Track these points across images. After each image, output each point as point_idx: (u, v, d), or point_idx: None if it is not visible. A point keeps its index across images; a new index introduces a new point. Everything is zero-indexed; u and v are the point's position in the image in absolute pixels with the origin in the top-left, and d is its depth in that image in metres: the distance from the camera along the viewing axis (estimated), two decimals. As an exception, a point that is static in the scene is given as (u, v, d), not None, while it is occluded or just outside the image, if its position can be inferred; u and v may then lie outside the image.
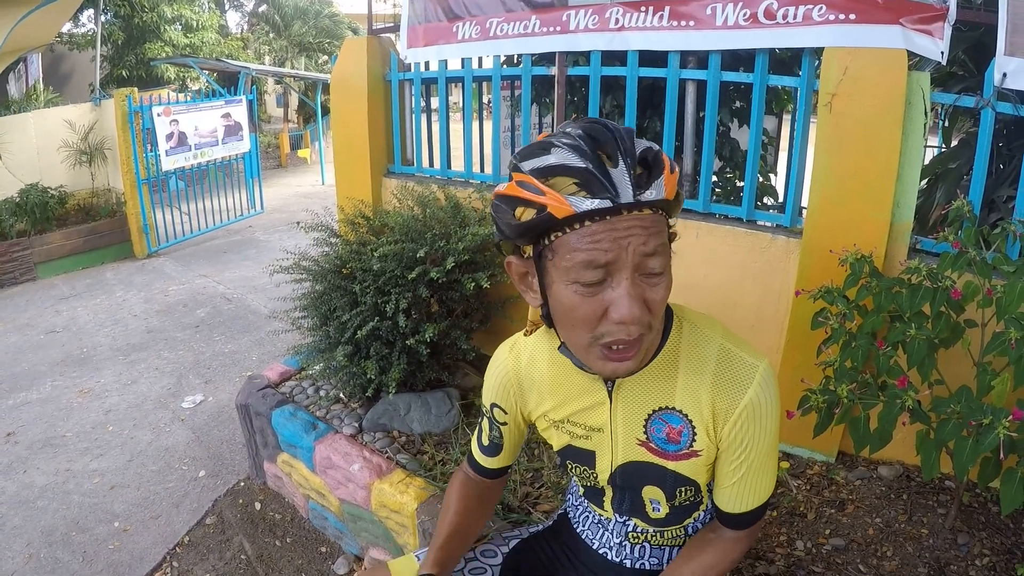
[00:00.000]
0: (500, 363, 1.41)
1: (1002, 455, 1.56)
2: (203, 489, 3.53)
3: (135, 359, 5.30)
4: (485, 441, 1.50)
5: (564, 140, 1.00)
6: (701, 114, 2.90)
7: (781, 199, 4.24)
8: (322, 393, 3.16)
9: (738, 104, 3.74)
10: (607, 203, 0.96)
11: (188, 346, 5.49)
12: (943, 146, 3.56)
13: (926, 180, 3.22)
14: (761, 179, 4.02)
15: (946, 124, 3.48)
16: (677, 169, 1.02)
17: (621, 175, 0.97)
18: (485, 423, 1.48)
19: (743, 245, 2.68)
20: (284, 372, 3.40)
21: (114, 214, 8.54)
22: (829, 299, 2.14)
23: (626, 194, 0.96)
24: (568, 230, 0.99)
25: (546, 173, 0.99)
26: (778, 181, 4.40)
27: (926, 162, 3.07)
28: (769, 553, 2.14)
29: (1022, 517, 2.21)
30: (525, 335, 1.37)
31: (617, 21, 2.83)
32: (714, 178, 3.93)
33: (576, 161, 0.98)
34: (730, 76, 2.71)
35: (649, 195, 0.97)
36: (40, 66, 12.98)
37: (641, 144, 1.00)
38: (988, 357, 1.82)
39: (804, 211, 2.57)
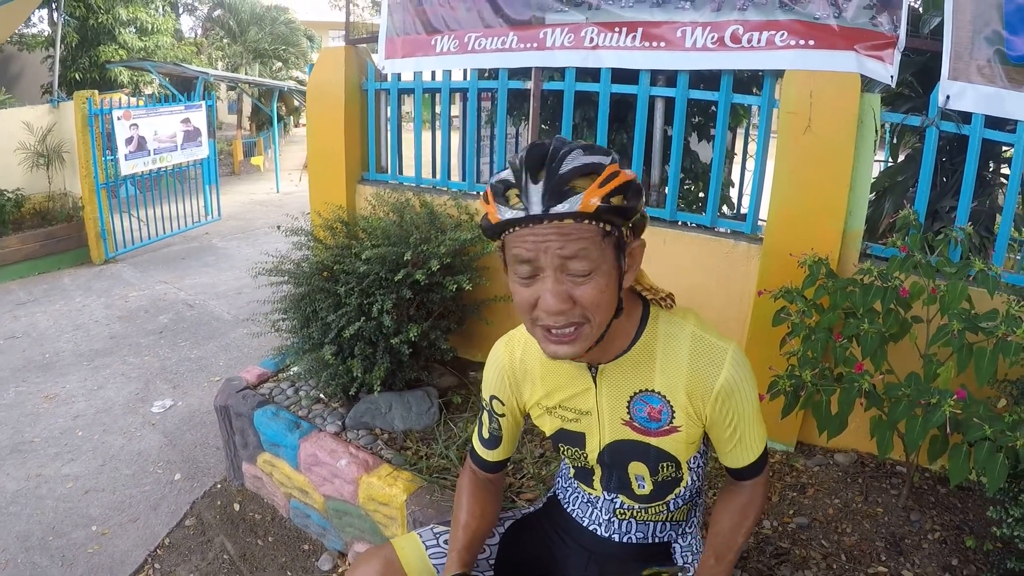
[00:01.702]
0: (497, 357, 1.56)
1: (948, 431, 1.77)
2: (180, 492, 3.55)
3: (100, 364, 5.25)
4: (485, 434, 1.63)
5: (513, 160, 1.18)
6: (667, 128, 3.07)
7: (736, 208, 4.48)
8: (302, 393, 3.23)
9: (697, 119, 3.92)
10: (520, 213, 1.14)
11: (153, 352, 5.46)
12: (891, 161, 3.80)
13: (875, 192, 3.44)
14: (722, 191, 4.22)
15: (894, 141, 3.70)
16: (615, 182, 1.14)
17: (537, 191, 1.13)
18: (485, 416, 1.62)
19: (707, 250, 2.86)
20: (261, 374, 3.45)
21: (71, 219, 8.34)
22: (789, 298, 2.34)
23: (536, 207, 1.13)
24: (509, 232, 1.18)
25: (497, 186, 1.19)
26: (732, 191, 4.62)
27: (876, 175, 3.28)
28: (765, 505, 2.33)
29: (968, 496, 2.44)
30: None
31: (592, 40, 2.98)
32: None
33: (509, 177, 1.17)
34: (697, 94, 2.89)
35: (560, 208, 1.11)
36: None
37: (579, 160, 1.14)
38: (933, 348, 2.05)
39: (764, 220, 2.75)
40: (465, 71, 3.72)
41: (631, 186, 1.16)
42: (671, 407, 1.37)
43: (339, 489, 2.71)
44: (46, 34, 14.33)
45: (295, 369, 3.08)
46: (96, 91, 8.18)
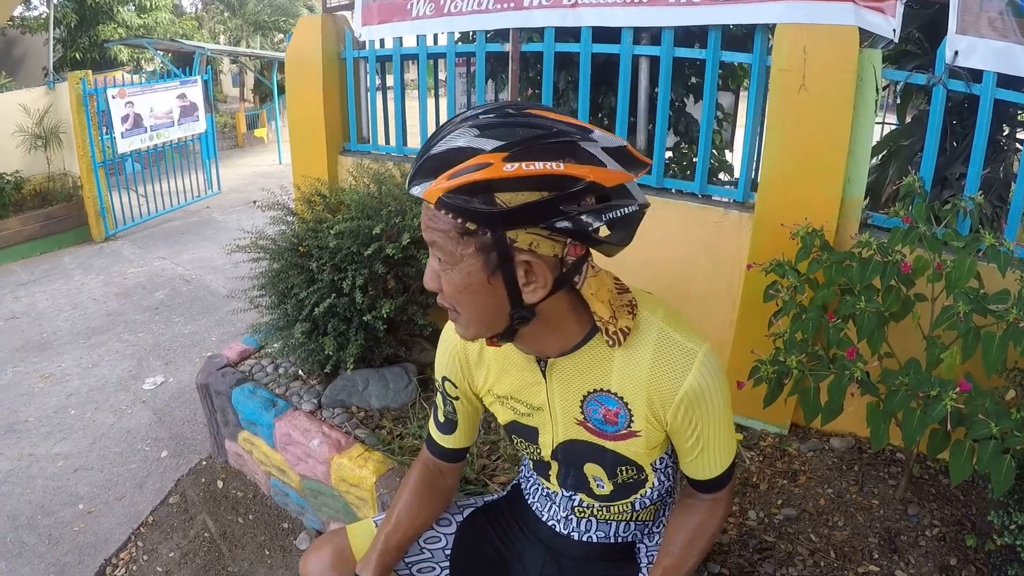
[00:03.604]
0: (448, 337, 1.43)
1: (949, 426, 1.60)
2: (166, 469, 3.52)
3: (95, 343, 5.24)
4: (441, 417, 1.51)
5: None
6: (656, 90, 2.93)
7: (737, 175, 4.31)
8: (281, 371, 3.16)
9: (694, 80, 3.78)
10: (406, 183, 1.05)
11: (148, 328, 5.44)
12: (896, 124, 3.62)
13: (879, 156, 3.28)
14: (717, 155, 4.08)
15: (899, 101, 3.54)
16: (460, 181, 0.96)
17: (415, 163, 1.03)
18: (439, 399, 1.50)
19: (696, 220, 2.72)
20: (243, 351, 3.39)
21: (71, 198, 8.39)
22: (780, 272, 2.18)
23: (407, 180, 1.04)
24: None
25: None
26: (734, 157, 4.46)
27: (880, 139, 3.13)
28: (724, 523, 2.20)
29: (971, 489, 2.28)
30: None
31: (571, -2, 2.84)
32: (670, 153, 3.97)
33: None
34: (683, 52, 2.74)
35: (414, 189, 1.02)
36: (-9, 50, 12.71)
37: (450, 143, 0.99)
38: (937, 331, 1.86)
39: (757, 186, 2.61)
40: (438, 36, 3.59)
41: (499, 184, 0.96)
42: (629, 410, 1.22)
43: (312, 469, 2.65)
44: (47, 15, 14.27)
45: (276, 346, 3.01)
46: (90, 71, 8.24)
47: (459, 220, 0.99)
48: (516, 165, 0.95)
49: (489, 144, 0.97)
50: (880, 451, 2.49)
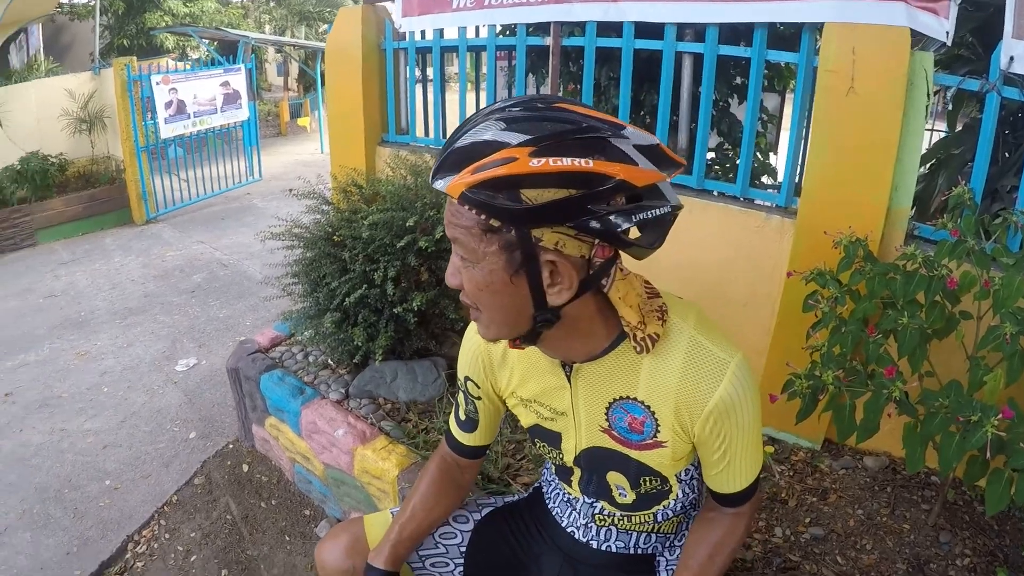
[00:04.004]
0: (472, 336, 1.39)
1: (988, 455, 1.52)
2: (193, 450, 3.56)
3: (131, 323, 5.33)
4: (462, 416, 1.48)
5: None
6: (699, 89, 2.87)
7: (780, 179, 4.22)
8: (311, 359, 3.16)
9: (739, 80, 3.71)
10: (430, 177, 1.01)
11: (183, 311, 5.51)
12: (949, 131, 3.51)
13: (928, 165, 3.18)
14: (760, 158, 4.00)
15: (951, 108, 3.43)
16: (485, 175, 0.93)
17: (440, 156, 0.99)
18: (461, 397, 1.47)
19: (737, 223, 2.65)
20: (275, 337, 3.39)
21: (113, 181, 8.58)
22: (821, 282, 2.10)
23: (432, 173, 1.00)
24: None
25: None
26: (778, 161, 4.37)
27: (929, 147, 3.03)
28: (746, 538, 2.14)
29: (1007, 519, 2.19)
30: None
31: (613, -10, 2.79)
32: (712, 155, 3.91)
33: None
34: (727, 50, 2.67)
35: (437, 183, 0.98)
36: (40, 36, 12.92)
37: (476, 136, 0.96)
38: (982, 351, 1.78)
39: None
40: (479, 28, 3.58)
41: (525, 180, 0.92)
42: (655, 420, 1.17)
43: (336, 458, 2.64)
44: (94, 3, 14.47)
45: (307, 334, 3.01)
46: (135, 57, 8.44)
47: (482, 216, 0.96)
48: (543, 160, 0.91)
49: (516, 138, 0.93)
50: (915, 474, 2.40)
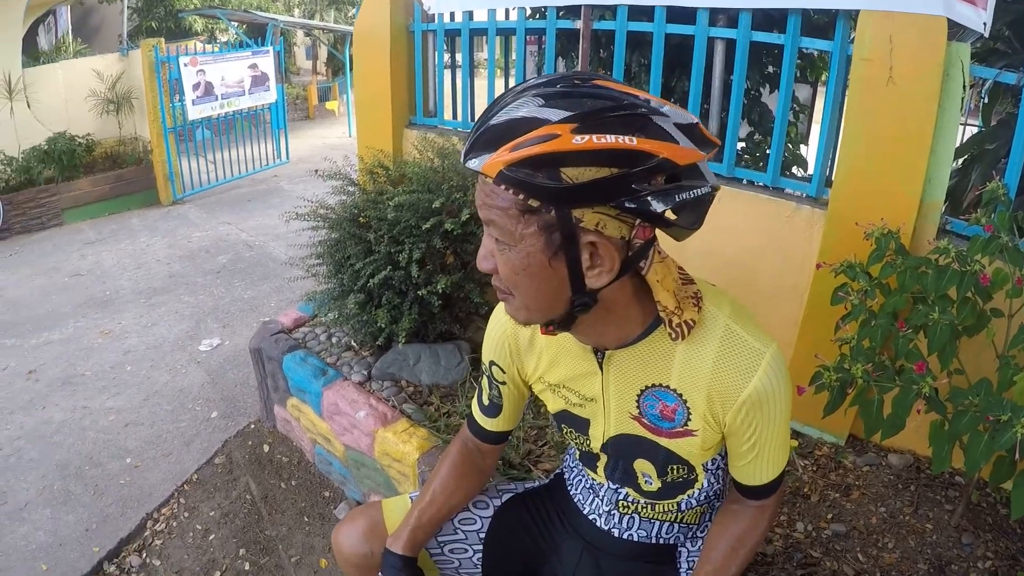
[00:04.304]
0: (499, 321, 1.37)
1: (1017, 455, 1.47)
2: (214, 430, 3.58)
3: (156, 302, 5.37)
4: (485, 400, 1.46)
5: None
6: (730, 76, 2.83)
7: (811, 170, 4.17)
8: (334, 340, 3.16)
9: (771, 69, 3.67)
10: (461, 157, 0.97)
11: (208, 291, 5.55)
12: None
13: (962, 160, 3.13)
14: (791, 148, 3.95)
15: (986, 102, 3.37)
16: (525, 153, 0.89)
17: (471, 135, 0.96)
18: (485, 382, 1.45)
19: (766, 212, 2.61)
20: (298, 318, 3.40)
21: (140, 162, 8.65)
22: (851, 274, 2.06)
23: (463, 153, 0.96)
24: None
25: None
26: (809, 153, 4.32)
27: (962, 142, 2.97)
28: (768, 533, 2.12)
29: None
30: None
31: (645, -25, 2.74)
32: (741, 144, 3.87)
33: None
34: (761, 36, 2.62)
35: (471, 163, 0.94)
36: (69, 18, 12.99)
37: (511, 113, 0.92)
38: (1013, 350, 1.74)
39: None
40: (509, 11, 3.54)
41: (567, 158, 0.89)
42: (687, 408, 1.15)
43: (357, 440, 2.64)
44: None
45: (331, 315, 3.01)
46: (163, 39, 8.43)
47: (520, 196, 0.92)
48: (586, 137, 0.88)
49: (556, 114, 0.89)
50: (939, 473, 2.36)
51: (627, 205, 0.92)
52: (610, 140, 0.88)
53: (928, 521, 2.16)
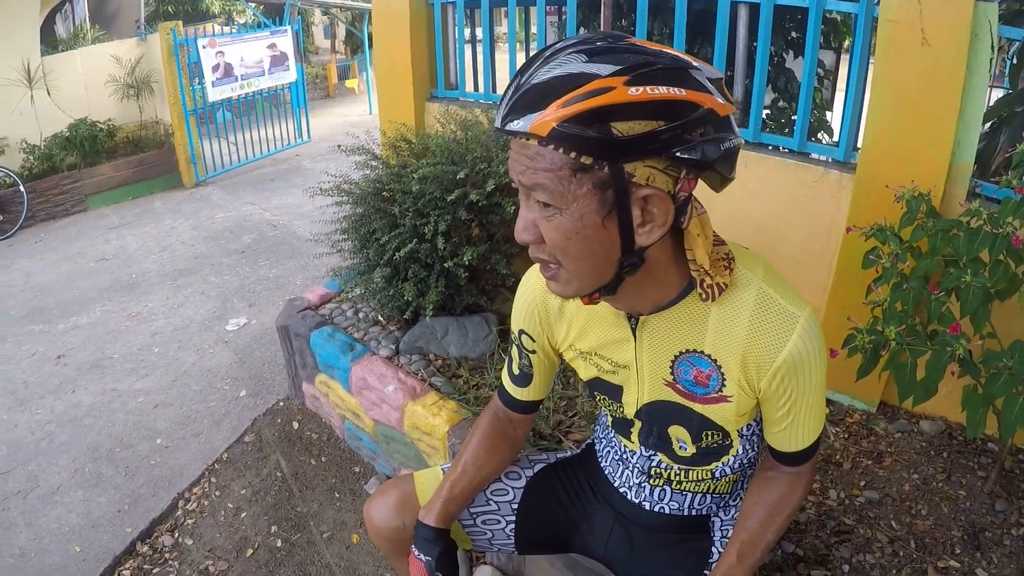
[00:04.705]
0: (528, 288, 1.35)
1: None
2: (243, 408, 3.60)
3: (182, 284, 5.40)
4: (515, 370, 1.45)
5: None
6: (754, 43, 2.79)
7: (836, 137, 4.11)
8: (361, 315, 3.17)
9: (794, 35, 3.62)
10: (496, 123, 0.95)
11: (234, 271, 5.58)
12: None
13: (990, 123, 3.07)
14: (817, 114, 3.91)
15: (1014, 63, 3.30)
16: (580, 107, 0.87)
17: (507, 98, 0.93)
18: (514, 351, 1.44)
19: (793, 178, 2.59)
20: (324, 295, 3.41)
21: (162, 145, 8.70)
22: (882, 238, 2.03)
23: (499, 119, 0.94)
24: None
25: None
26: (834, 119, 4.27)
27: (990, 105, 2.92)
28: (804, 500, 2.11)
29: None
30: None
31: (668, -63, 2.71)
32: (767, 110, 3.83)
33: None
34: (784, 0, 2.59)
35: (513, 125, 0.91)
36: (86, 5, 12.98)
37: (554, 71, 0.90)
38: None
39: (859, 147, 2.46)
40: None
41: (620, 111, 0.87)
42: (722, 373, 1.14)
43: (386, 415, 2.65)
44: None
45: (357, 290, 3.01)
46: (180, 22, 8.42)
47: (572, 154, 0.90)
48: (640, 89, 0.87)
49: (605, 69, 0.88)
50: (972, 439, 2.33)
51: (680, 156, 0.91)
52: (662, 91, 0.88)
53: (961, 488, 2.15)
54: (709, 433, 1.24)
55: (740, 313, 1.09)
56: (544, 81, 0.90)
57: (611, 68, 0.88)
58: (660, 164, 0.92)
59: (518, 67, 0.97)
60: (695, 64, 0.93)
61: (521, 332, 1.39)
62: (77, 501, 3.03)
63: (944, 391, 1.81)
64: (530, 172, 0.94)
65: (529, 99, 0.90)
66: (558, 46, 0.94)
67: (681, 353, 1.16)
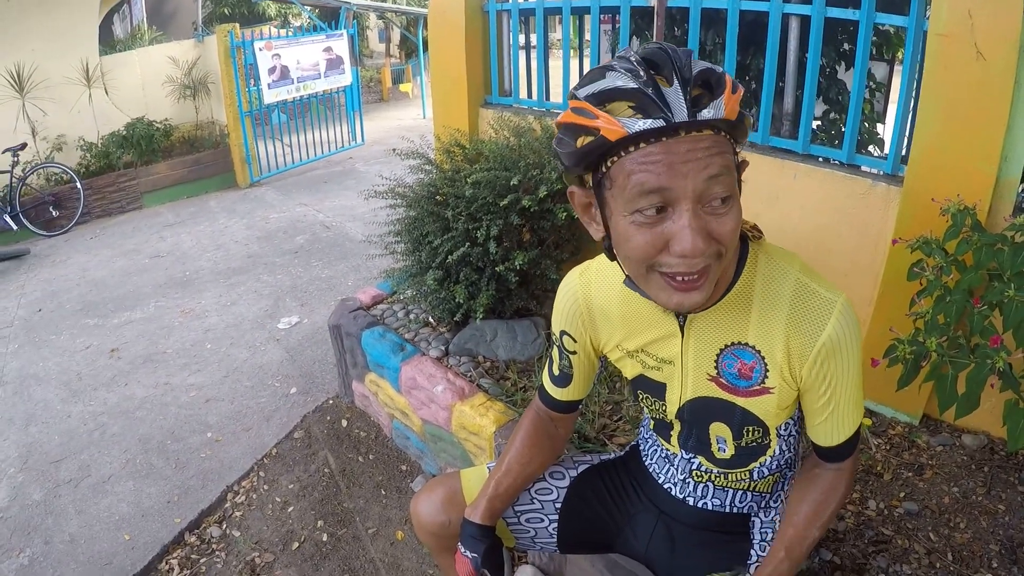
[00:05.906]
0: (570, 289, 1.38)
1: None
2: (293, 405, 3.68)
3: (235, 282, 5.50)
4: (556, 371, 1.48)
5: (621, 64, 0.96)
6: (805, 54, 2.80)
7: (887, 149, 4.08)
8: (412, 316, 3.23)
9: (846, 46, 3.60)
10: (660, 122, 0.92)
11: (286, 271, 5.66)
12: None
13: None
14: (867, 127, 3.88)
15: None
16: (741, 90, 0.97)
17: (675, 94, 0.92)
18: (555, 352, 1.47)
19: (841, 190, 2.59)
20: (376, 295, 3.48)
21: (217, 145, 8.86)
22: (927, 251, 2.03)
23: (680, 112, 0.91)
24: (624, 154, 0.96)
25: (601, 98, 0.96)
26: (886, 132, 4.23)
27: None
28: (847, 499, 2.11)
29: None
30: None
31: (721, -51, 2.73)
32: (818, 122, 3.82)
33: (630, 83, 0.94)
34: (835, 12, 2.59)
35: (707, 114, 0.92)
36: (144, 6, 13.27)
37: (700, 64, 0.94)
38: None
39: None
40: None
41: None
42: (765, 364, 1.18)
43: (434, 414, 2.70)
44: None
45: (408, 292, 3.08)
46: (237, 24, 8.55)
47: (731, 139, 0.99)
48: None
49: (713, 65, 0.97)
50: (1013, 454, 2.31)
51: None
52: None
53: (1001, 502, 2.14)
54: (750, 429, 1.28)
55: (780, 302, 1.15)
56: (697, 73, 0.94)
57: (713, 64, 0.97)
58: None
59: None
60: None
61: (563, 333, 1.42)
62: (127, 491, 3.12)
63: (987, 405, 1.81)
64: (715, 161, 0.95)
65: (704, 92, 0.94)
66: (669, 49, 0.96)
67: (727, 346, 1.20)
